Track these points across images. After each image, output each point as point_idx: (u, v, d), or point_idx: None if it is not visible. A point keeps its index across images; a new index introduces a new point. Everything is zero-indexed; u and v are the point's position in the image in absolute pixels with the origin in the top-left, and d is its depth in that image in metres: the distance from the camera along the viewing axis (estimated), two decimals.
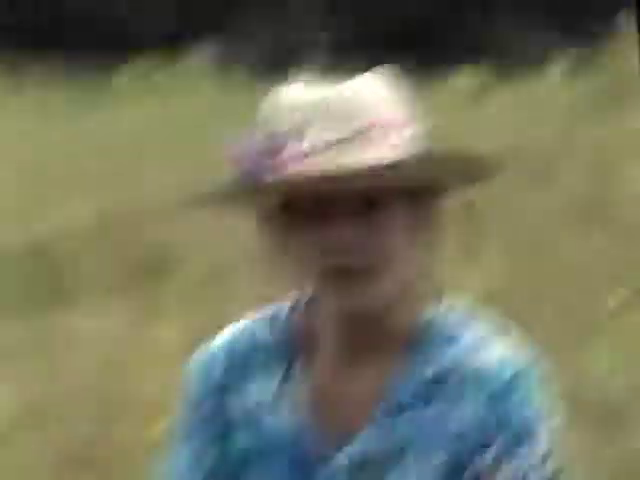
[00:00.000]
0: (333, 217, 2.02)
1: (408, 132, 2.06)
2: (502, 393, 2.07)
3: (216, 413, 2.19)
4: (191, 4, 25.94)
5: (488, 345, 2.09)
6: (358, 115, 2.03)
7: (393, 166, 2.01)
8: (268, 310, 2.21)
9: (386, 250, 2.04)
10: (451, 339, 2.11)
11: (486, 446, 2.05)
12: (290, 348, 2.17)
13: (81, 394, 7.56)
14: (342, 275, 2.02)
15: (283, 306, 2.19)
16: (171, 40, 18.56)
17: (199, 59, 16.70)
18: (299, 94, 2.04)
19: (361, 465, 2.11)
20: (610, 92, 12.61)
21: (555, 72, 14.57)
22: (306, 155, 2.01)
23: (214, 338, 2.23)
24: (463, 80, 14.53)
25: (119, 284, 9.94)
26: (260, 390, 2.15)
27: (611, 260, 9.45)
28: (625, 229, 9.98)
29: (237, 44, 20.01)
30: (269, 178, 2.02)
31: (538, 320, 8.07)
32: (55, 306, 9.42)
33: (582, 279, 9.14)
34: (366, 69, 2.10)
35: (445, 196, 2.14)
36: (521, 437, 2.05)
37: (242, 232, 9.76)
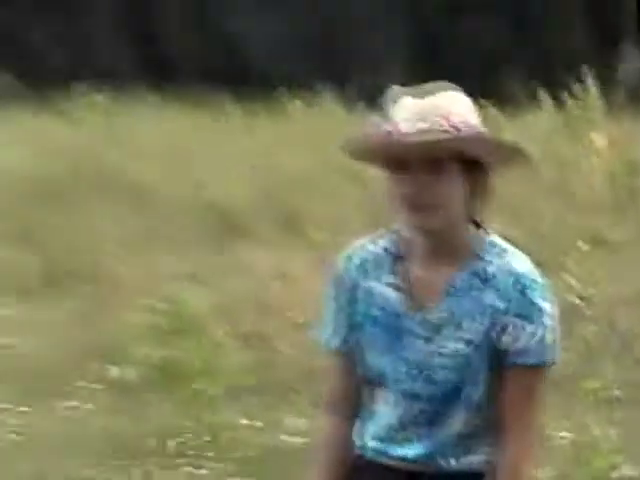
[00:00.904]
0: (413, 173, 2.33)
1: (466, 126, 2.39)
2: (527, 288, 2.42)
3: (351, 288, 2.54)
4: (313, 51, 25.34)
5: (522, 259, 2.45)
6: (435, 114, 2.36)
7: (445, 142, 2.32)
8: (386, 231, 2.55)
9: (443, 195, 2.33)
10: (503, 250, 2.46)
11: (507, 325, 2.41)
12: (398, 255, 2.50)
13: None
14: (415, 207, 2.34)
15: (395, 229, 2.50)
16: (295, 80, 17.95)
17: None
18: (405, 102, 2.40)
19: (430, 325, 2.47)
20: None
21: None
22: (403, 135, 2.35)
23: (353, 245, 2.58)
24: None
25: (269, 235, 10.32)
26: (379, 279, 2.52)
27: None
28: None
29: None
30: (385, 141, 2.38)
31: None
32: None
33: None
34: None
35: (490, 171, 2.45)
36: (532, 319, 2.40)
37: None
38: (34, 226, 10.38)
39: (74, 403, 6.78)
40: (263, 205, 11.01)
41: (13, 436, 6.42)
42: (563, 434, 6.19)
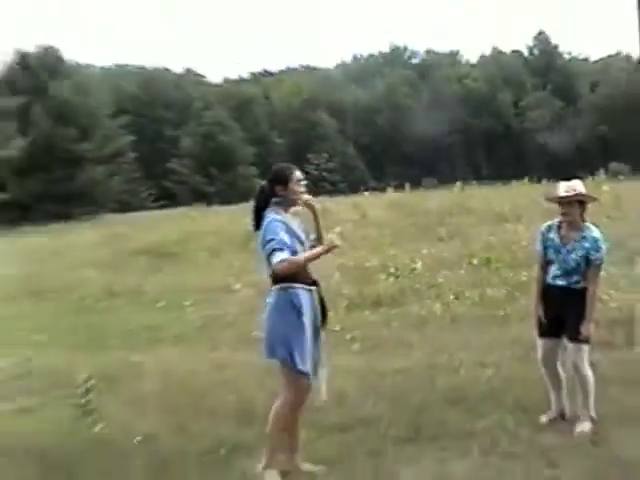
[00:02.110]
0: (564, 206, 3.37)
1: (580, 192, 3.20)
2: (597, 241, 3.41)
3: (545, 236, 3.52)
4: None
5: (596, 230, 3.38)
6: (574, 187, 3.36)
7: (577, 195, 3.33)
8: (557, 219, 3.38)
9: (571, 211, 3.46)
10: (589, 227, 3.37)
11: (591, 253, 3.43)
12: (559, 226, 3.40)
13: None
14: (563, 214, 3.43)
15: (559, 219, 3.39)
16: None
17: None
18: (562, 184, 3.26)
19: (570, 249, 3.45)
20: None
21: None
22: (560, 194, 3.26)
23: (546, 223, 3.42)
24: None
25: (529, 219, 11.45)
26: (553, 233, 3.47)
27: None
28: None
29: None
30: (556, 197, 3.23)
31: None
32: None
33: None
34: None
35: (588, 204, 3.44)
36: (597, 251, 3.48)
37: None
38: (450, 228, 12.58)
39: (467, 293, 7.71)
40: (519, 207, 13.57)
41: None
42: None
